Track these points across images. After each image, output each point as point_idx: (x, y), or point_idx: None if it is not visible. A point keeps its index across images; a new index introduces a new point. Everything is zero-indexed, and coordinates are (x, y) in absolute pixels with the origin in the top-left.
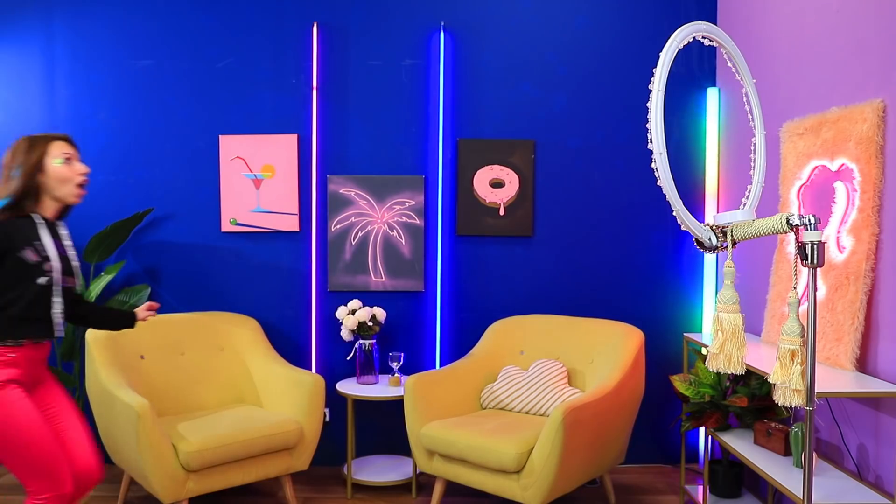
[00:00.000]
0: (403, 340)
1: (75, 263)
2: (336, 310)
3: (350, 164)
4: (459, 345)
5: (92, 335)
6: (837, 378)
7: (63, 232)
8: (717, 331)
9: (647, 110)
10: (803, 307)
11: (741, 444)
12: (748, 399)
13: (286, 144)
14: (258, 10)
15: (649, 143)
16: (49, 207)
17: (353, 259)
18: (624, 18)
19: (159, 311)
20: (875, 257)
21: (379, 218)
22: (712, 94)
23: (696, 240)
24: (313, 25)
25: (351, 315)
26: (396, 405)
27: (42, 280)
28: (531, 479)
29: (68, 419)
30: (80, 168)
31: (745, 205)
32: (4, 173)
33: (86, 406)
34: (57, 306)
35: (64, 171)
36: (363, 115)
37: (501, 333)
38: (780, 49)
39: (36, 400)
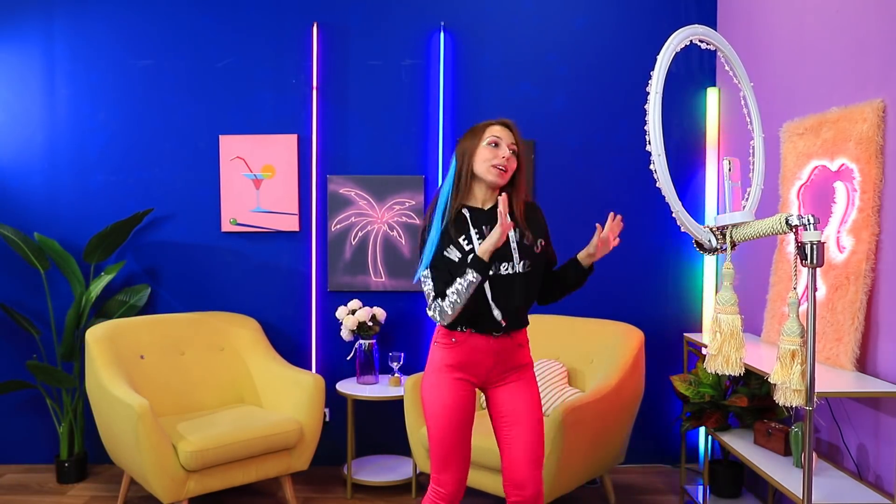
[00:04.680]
0: (403, 340)
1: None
2: (336, 310)
3: (350, 164)
4: None
5: (92, 335)
6: (837, 378)
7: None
8: (716, 332)
9: (646, 111)
10: (803, 307)
11: (741, 444)
12: (748, 399)
13: (286, 144)
14: (258, 10)
15: (648, 146)
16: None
17: (353, 259)
18: (624, 18)
19: (159, 310)
20: (875, 257)
21: (379, 218)
22: (712, 94)
23: (696, 241)
24: (313, 25)
25: (351, 315)
26: (396, 405)
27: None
28: None
29: (513, 425)
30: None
31: (744, 206)
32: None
33: (86, 406)
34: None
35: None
36: (363, 115)
37: None
38: (780, 49)
39: (492, 394)
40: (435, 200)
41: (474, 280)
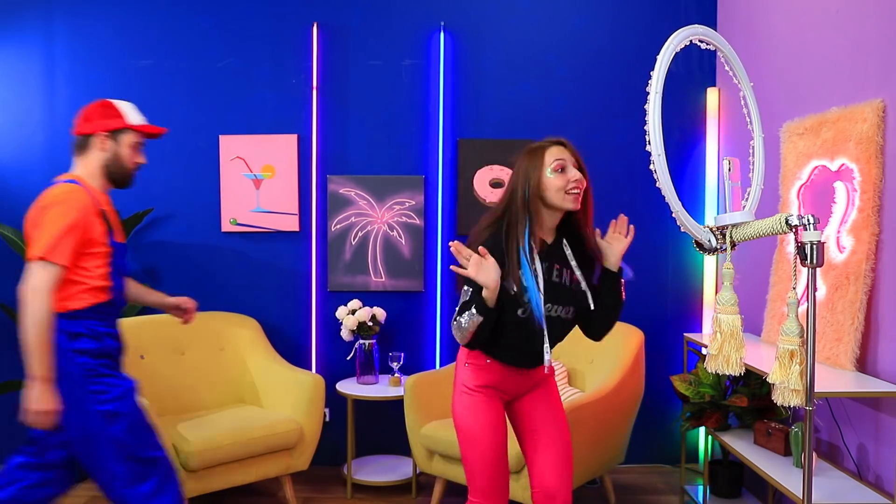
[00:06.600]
0: (403, 340)
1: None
2: (336, 310)
3: (350, 164)
4: (459, 345)
5: None
6: (837, 378)
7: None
8: (716, 332)
9: (646, 111)
10: (803, 307)
11: (741, 444)
12: (748, 399)
13: (286, 144)
14: (258, 11)
15: (648, 145)
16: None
17: (353, 259)
18: (623, 18)
19: (158, 310)
20: (875, 257)
21: (379, 218)
22: (712, 94)
23: (696, 241)
24: (313, 25)
25: (351, 315)
26: (396, 405)
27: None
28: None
29: (541, 435)
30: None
31: (744, 206)
32: None
33: None
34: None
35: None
36: (363, 115)
37: None
38: (781, 49)
39: (517, 406)
40: (494, 219)
41: (476, 319)
